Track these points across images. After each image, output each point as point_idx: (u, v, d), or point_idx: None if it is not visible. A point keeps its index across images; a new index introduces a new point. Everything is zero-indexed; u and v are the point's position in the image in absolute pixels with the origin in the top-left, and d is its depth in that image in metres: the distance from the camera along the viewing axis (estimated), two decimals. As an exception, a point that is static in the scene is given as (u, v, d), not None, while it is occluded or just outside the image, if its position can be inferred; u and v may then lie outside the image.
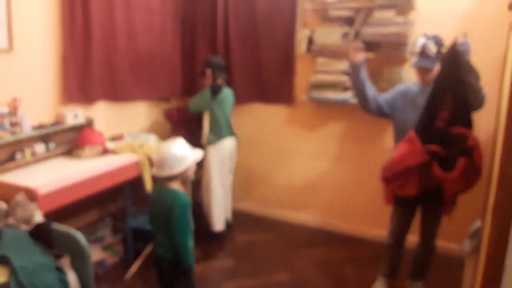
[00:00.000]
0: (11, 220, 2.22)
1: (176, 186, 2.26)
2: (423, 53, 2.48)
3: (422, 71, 2.53)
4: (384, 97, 2.77)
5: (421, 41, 2.50)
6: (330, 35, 3.34)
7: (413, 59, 2.55)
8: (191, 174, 2.29)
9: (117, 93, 3.50)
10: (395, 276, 2.95)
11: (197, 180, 3.72)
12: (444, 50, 2.45)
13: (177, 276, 2.27)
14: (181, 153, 2.22)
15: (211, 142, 3.53)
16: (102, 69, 3.32)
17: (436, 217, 2.69)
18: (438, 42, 2.47)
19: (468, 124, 2.40)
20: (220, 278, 3.11)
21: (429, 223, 2.72)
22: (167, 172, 2.20)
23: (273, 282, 3.07)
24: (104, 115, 3.45)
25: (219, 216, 3.61)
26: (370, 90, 2.73)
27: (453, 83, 2.33)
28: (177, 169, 2.19)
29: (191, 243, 2.22)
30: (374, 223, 3.54)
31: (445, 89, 2.34)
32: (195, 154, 2.30)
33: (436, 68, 2.47)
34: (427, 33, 2.55)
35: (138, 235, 3.26)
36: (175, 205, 2.17)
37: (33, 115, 2.84)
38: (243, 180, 3.98)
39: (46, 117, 3.00)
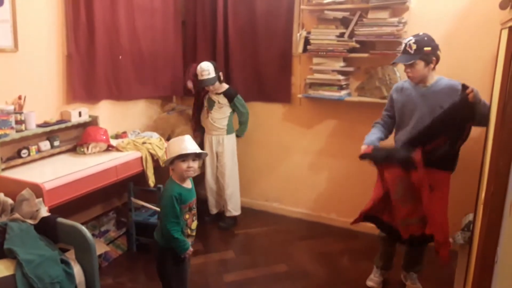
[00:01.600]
0: (17, 215, 2.20)
1: (174, 177, 2.25)
2: (404, 50, 2.51)
3: (405, 67, 2.54)
4: (386, 114, 2.78)
5: (405, 40, 2.53)
6: (326, 36, 3.31)
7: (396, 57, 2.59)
8: (184, 169, 2.21)
9: (121, 92, 3.47)
10: (389, 268, 2.94)
11: (200, 175, 3.71)
12: (427, 48, 2.44)
13: (167, 262, 2.27)
14: (173, 146, 2.20)
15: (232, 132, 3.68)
16: (106, 68, 3.30)
17: (440, 194, 2.65)
18: (420, 40, 2.46)
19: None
20: (220, 269, 3.10)
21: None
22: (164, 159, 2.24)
23: (271, 274, 3.06)
24: (108, 113, 3.43)
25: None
26: (383, 135, 2.75)
27: (454, 125, 2.38)
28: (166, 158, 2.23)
29: (178, 234, 2.18)
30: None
31: (445, 128, 2.40)
32: (183, 150, 2.19)
33: (419, 65, 2.46)
34: (419, 34, 2.53)
35: (141, 229, 3.24)
36: (164, 194, 2.21)
37: (38, 113, 2.82)
38: (243, 175, 3.96)
39: (51, 115, 2.97)
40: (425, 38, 2.46)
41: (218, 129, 3.59)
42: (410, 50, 2.45)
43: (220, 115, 3.57)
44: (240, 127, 3.68)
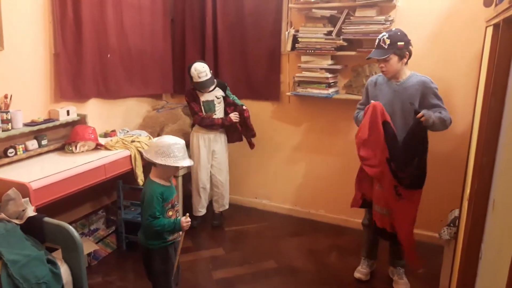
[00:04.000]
0: (2, 215, 2.15)
1: (154, 176, 2.25)
2: (378, 45, 2.53)
3: (379, 62, 2.55)
4: (362, 107, 2.77)
5: (379, 36, 2.54)
6: (314, 34, 3.29)
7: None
8: (174, 174, 2.31)
9: (109, 90, 3.42)
10: (374, 258, 2.95)
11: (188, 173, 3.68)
12: (401, 43, 2.47)
13: (154, 261, 2.29)
14: (170, 151, 2.18)
15: None
16: (94, 67, 3.24)
17: (409, 203, 2.67)
18: (393, 35, 2.48)
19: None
20: (210, 267, 3.07)
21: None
22: (148, 156, 2.21)
23: (261, 270, 3.04)
24: (96, 112, 3.38)
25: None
26: None
27: (418, 145, 2.52)
28: (156, 160, 2.17)
29: (159, 221, 2.19)
30: (357, 213, 3.51)
31: (412, 150, 2.52)
32: (182, 161, 2.21)
33: (392, 59, 2.48)
34: (392, 29, 2.58)
35: (131, 227, 3.20)
36: (147, 195, 2.20)
37: (25, 112, 2.75)
38: (233, 173, 3.94)
39: (39, 114, 2.91)
40: (398, 33, 2.49)
41: (217, 129, 3.54)
42: (383, 45, 2.48)
43: (221, 111, 3.52)
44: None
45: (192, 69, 3.31)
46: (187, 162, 2.23)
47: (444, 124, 2.48)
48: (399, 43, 2.45)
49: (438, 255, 2.92)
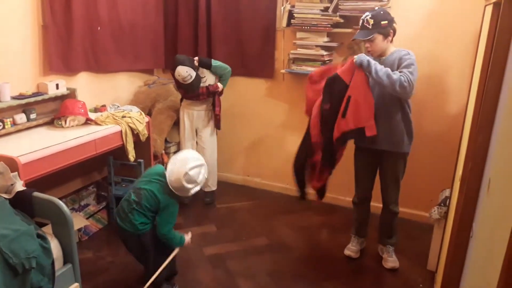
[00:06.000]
0: (-9, 189, 2.11)
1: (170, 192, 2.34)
2: (362, 26, 2.51)
3: (365, 42, 2.54)
4: None
5: (362, 16, 2.52)
6: (310, 10, 3.23)
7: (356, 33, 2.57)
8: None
9: (99, 63, 3.34)
10: (364, 235, 2.99)
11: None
12: (384, 22, 2.45)
13: (146, 242, 2.36)
14: (193, 187, 2.33)
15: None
16: (84, 39, 3.16)
17: (396, 182, 2.70)
18: (376, 15, 2.46)
19: None
20: (202, 243, 3.08)
21: (387, 187, 2.75)
22: (175, 186, 2.30)
23: (252, 246, 3.06)
24: (86, 86, 3.31)
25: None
26: None
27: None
28: (180, 193, 2.33)
29: (173, 232, 2.38)
30: (347, 191, 3.53)
31: None
32: (198, 187, 2.37)
33: (377, 39, 2.47)
34: (375, 8, 2.56)
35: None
36: (171, 207, 2.33)
37: (13, 85, 2.69)
38: (225, 150, 3.92)
39: (27, 87, 2.84)
40: (381, 12, 2.49)
41: (202, 105, 3.49)
42: (368, 26, 2.47)
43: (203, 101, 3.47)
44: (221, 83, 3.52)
45: (176, 74, 3.24)
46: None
47: (390, 80, 2.35)
48: (382, 22, 2.45)
49: (427, 234, 2.97)
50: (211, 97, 3.46)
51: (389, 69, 2.39)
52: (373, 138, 2.46)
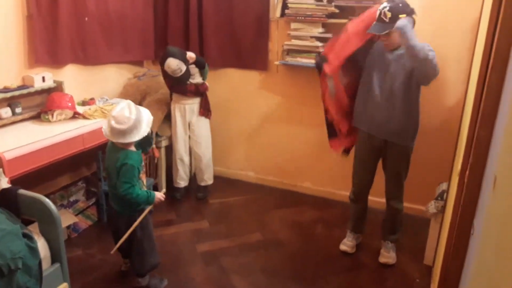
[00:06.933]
0: (-26, 187, 2.04)
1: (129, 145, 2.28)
2: (379, 19, 2.38)
3: (381, 36, 2.43)
4: None
5: (380, 6, 2.39)
6: (305, 0, 3.16)
7: (372, 25, 2.43)
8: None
9: (87, 55, 3.26)
10: (360, 231, 2.96)
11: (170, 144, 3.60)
12: (403, 15, 2.33)
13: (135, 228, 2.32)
14: (140, 116, 2.22)
15: None
16: (71, 30, 3.07)
17: (396, 178, 2.67)
18: (395, 7, 2.34)
19: None
20: (194, 239, 3.04)
21: (390, 184, 2.71)
22: (135, 137, 2.19)
23: (246, 243, 3.02)
24: (74, 79, 3.22)
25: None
26: None
27: None
28: (142, 133, 2.22)
29: (137, 190, 2.25)
30: (343, 185, 3.51)
31: None
32: (146, 115, 2.28)
33: (395, 32, 2.35)
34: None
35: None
36: (127, 165, 2.21)
37: (-3, 78, 2.60)
38: (218, 144, 3.86)
39: (12, 80, 2.75)
40: (400, 5, 2.35)
41: (193, 98, 3.41)
42: (385, 19, 2.34)
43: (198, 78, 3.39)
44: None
45: (166, 67, 3.16)
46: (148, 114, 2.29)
47: (425, 52, 2.24)
48: (400, 16, 2.31)
49: (423, 228, 2.94)
50: (199, 96, 3.40)
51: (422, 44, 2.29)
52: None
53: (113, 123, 2.16)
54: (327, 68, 2.55)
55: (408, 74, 2.42)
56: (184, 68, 3.18)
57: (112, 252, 2.36)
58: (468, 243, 1.54)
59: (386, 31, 2.34)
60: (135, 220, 2.31)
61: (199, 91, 3.38)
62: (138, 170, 2.26)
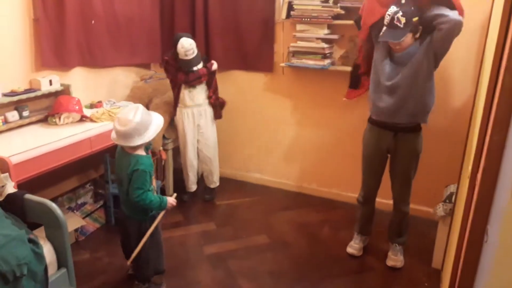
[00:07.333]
0: (-20, 192, 2.01)
1: (139, 150, 2.22)
2: (392, 24, 2.25)
3: (392, 43, 2.33)
4: None
5: (391, 10, 2.26)
6: (310, 1, 3.10)
7: (382, 31, 2.32)
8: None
9: (94, 58, 3.23)
10: (368, 233, 2.90)
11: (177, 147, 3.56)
12: (416, 19, 2.24)
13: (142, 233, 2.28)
14: (147, 121, 2.16)
15: None
16: (77, 33, 3.04)
17: (405, 179, 2.61)
18: (408, 11, 2.23)
19: None
20: (201, 241, 2.99)
21: (398, 186, 2.65)
22: (138, 141, 2.13)
23: (253, 245, 2.97)
24: (81, 82, 3.19)
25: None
26: None
27: None
28: (147, 137, 2.15)
29: (150, 196, 2.20)
30: (349, 186, 3.46)
31: None
32: (157, 120, 2.22)
33: (407, 37, 2.26)
34: (402, 1, 2.28)
35: (119, 201, 3.07)
36: (139, 170, 2.15)
37: (4, 81, 2.59)
38: (224, 146, 3.82)
39: (19, 84, 2.72)
40: (412, 8, 2.25)
41: (201, 101, 3.35)
42: (399, 25, 2.22)
43: (201, 89, 3.32)
44: None
45: (179, 46, 3.08)
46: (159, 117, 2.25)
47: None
48: (414, 19, 2.23)
49: (430, 230, 2.89)
50: (212, 78, 3.34)
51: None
52: None
53: (116, 124, 2.13)
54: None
55: (418, 67, 2.34)
56: (196, 50, 3.14)
57: (128, 262, 2.31)
58: (481, 251, 1.48)
59: (403, 38, 2.24)
60: (146, 226, 2.27)
61: (210, 71, 3.27)
62: (150, 175, 2.20)
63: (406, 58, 2.37)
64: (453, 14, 2.18)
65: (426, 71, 2.35)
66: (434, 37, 2.27)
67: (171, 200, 2.30)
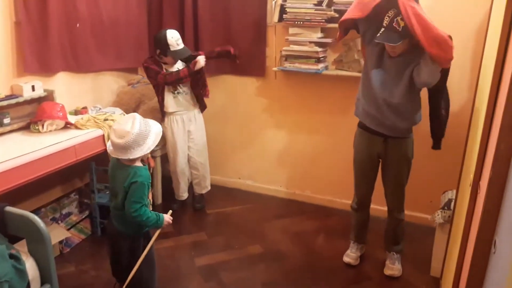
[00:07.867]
0: (-43, 204, 1.91)
1: (137, 162, 2.10)
2: (390, 27, 2.20)
3: (388, 45, 2.28)
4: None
5: (392, 12, 2.21)
6: (303, 4, 3.06)
7: (380, 32, 2.26)
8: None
9: (79, 62, 3.13)
10: (364, 241, 2.86)
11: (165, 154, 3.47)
12: None
13: (138, 250, 2.16)
14: (146, 131, 2.03)
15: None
16: (61, 36, 2.94)
17: (397, 185, 2.57)
18: None
19: None
20: (192, 253, 2.91)
21: (391, 193, 2.61)
22: (138, 153, 2.00)
23: (245, 255, 2.90)
24: (65, 87, 3.09)
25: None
26: None
27: None
28: (147, 148, 2.02)
29: (148, 213, 2.08)
30: (344, 193, 3.40)
31: None
32: (155, 128, 2.10)
33: (403, 44, 2.22)
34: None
35: (105, 212, 2.99)
36: (137, 183, 2.02)
37: (-17, 87, 2.47)
38: (215, 152, 3.74)
39: (0, 90, 2.62)
40: None
41: (189, 106, 3.28)
42: (398, 28, 2.17)
43: (186, 94, 3.24)
44: None
45: (169, 37, 3.00)
46: (158, 127, 2.13)
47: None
48: None
49: (427, 237, 2.85)
50: (199, 78, 3.26)
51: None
52: None
53: (112, 136, 2.01)
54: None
55: (408, 77, 2.31)
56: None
57: None
58: (488, 262, 1.43)
59: (401, 41, 2.20)
60: (139, 242, 2.15)
61: (187, 75, 3.12)
62: (148, 187, 2.09)
63: (396, 69, 2.34)
64: (429, 72, 2.21)
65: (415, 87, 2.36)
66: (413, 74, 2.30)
67: (167, 217, 2.20)
